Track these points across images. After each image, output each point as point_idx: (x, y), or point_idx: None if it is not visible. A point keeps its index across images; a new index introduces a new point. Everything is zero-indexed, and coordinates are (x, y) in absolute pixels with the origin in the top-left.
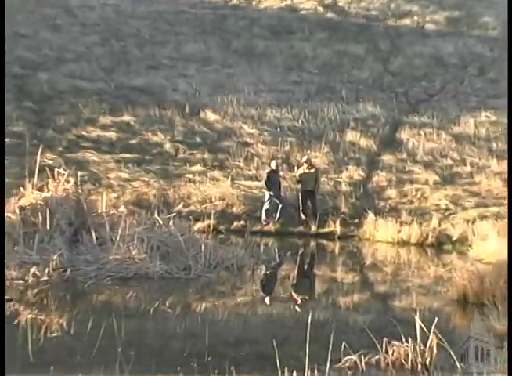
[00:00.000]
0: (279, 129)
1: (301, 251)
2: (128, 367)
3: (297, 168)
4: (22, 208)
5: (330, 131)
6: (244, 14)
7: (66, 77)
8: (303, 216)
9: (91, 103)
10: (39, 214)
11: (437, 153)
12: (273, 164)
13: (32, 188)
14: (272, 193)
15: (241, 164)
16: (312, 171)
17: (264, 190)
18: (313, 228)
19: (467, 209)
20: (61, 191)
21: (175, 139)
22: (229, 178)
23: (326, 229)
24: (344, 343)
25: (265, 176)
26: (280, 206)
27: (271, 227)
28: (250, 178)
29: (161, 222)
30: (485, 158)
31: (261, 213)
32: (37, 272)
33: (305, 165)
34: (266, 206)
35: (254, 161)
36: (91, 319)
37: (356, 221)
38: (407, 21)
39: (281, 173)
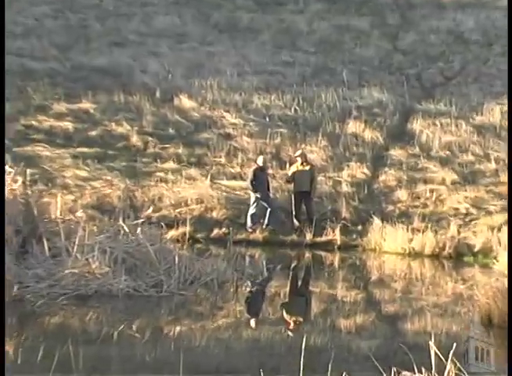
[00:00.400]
0: (267, 119)
1: (293, 264)
2: None
3: (290, 165)
4: None
5: (329, 122)
6: None
7: (13, 55)
8: (296, 222)
9: (42, 86)
10: None
11: (455, 147)
12: (260, 161)
13: None
14: (259, 195)
15: (222, 161)
16: (307, 168)
17: (249, 191)
18: (308, 236)
19: (492, 214)
20: (7, 193)
21: (144, 131)
22: (208, 177)
23: (323, 238)
24: (344, 373)
25: (250, 175)
26: (269, 210)
27: (258, 235)
28: (234, 177)
29: (127, 230)
30: None
31: (246, 219)
32: None
33: (299, 162)
34: (252, 210)
35: (237, 157)
36: (43, 345)
37: (359, 228)
38: None
39: (270, 171)
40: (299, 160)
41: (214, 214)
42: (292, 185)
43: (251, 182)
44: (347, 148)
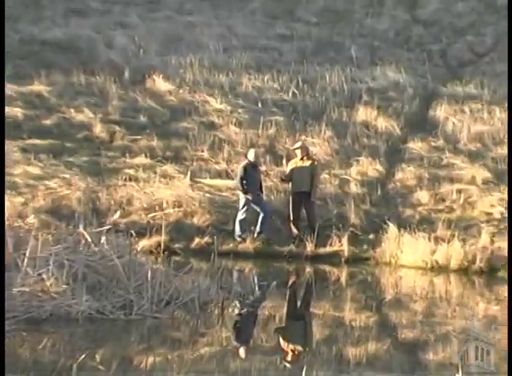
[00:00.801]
0: (260, 104)
1: (291, 281)
2: None
3: (287, 161)
4: None
5: (334, 108)
6: None
7: None
8: (295, 230)
9: None
10: None
11: (488, 138)
12: (252, 155)
13: None
14: (249, 197)
15: (205, 155)
16: (308, 164)
17: (238, 192)
18: (309, 247)
19: None
20: None
21: (110, 119)
22: (188, 174)
23: (327, 249)
24: None
25: (239, 172)
26: (262, 215)
27: (248, 246)
28: (219, 174)
29: (89, 239)
30: None
31: (234, 225)
32: None
33: (298, 156)
34: (242, 215)
35: (223, 151)
36: None
37: (372, 237)
38: None
39: (263, 168)
40: (298, 154)
41: (196, 220)
42: (290, 184)
43: (241, 180)
44: (356, 140)
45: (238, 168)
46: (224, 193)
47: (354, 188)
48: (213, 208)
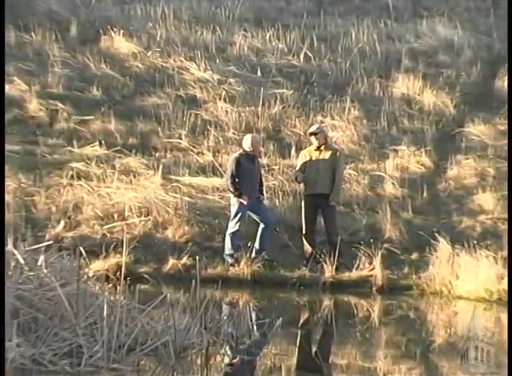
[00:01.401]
0: (259, 72)
1: (304, 318)
2: None
3: (297, 151)
4: None
5: (363, 77)
6: None
7: None
8: (308, 247)
9: None
10: None
11: None
12: (247, 143)
13: None
14: (244, 201)
15: (183, 143)
16: (328, 156)
17: (229, 195)
18: (329, 271)
19: None
20: None
21: (50, 92)
22: (160, 170)
23: (354, 274)
24: None
25: (231, 167)
26: (262, 227)
27: (244, 270)
28: (202, 170)
29: (21, 260)
30: None
31: (223, 241)
32: None
33: (314, 145)
34: (234, 227)
35: (208, 137)
36: None
37: (415, 256)
38: None
39: (264, 161)
40: (314, 142)
41: (170, 233)
42: (302, 184)
43: (232, 178)
44: (393, 122)
45: (229, 161)
46: (209, 196)
47: (390, 189)
48: (194, 217)
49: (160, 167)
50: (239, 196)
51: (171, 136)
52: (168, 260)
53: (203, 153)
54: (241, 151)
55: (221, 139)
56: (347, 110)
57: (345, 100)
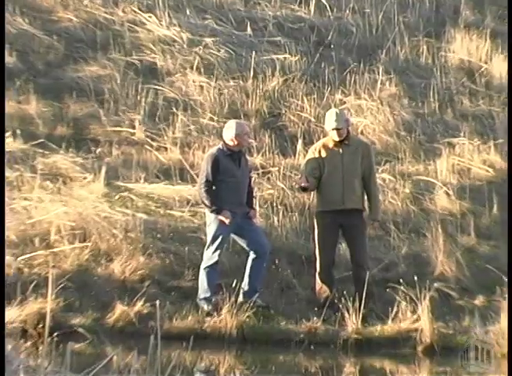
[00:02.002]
0: (249, 29)
1: None
2: None
3: (306, 147)
4: None
5: (402, 36)
6: None
7: None
8: (323, 288)
9: None
10: None
11: None
12: (230, 133)
13: None
14: (226, 219)
15: (137, 134)
16: (354, 153)
17: (204, 210)
18: (353, 323)
19: None
20: None
21: None
22: (102, 174)
23: (389, 327)
24: None
25: (206, 168)
26: (252, 257)
27: (226, 321)
28: (165, 173)
29: None
30: None
31: (197, 279)
32: None
33: (333, 136)
34: (212, 258)
35: (174, 123)
36: None
37: (479, 301)
38: None
39: (255, 160)
40: (334, 135)
41: (117, 266)
42: (314, 194)
43: (207, 185)
44: (447, 102)
45: (203, 161)
46: (175, 212)
47: (443, 201)
48: (153, 243)
49: (103, 169)
50: (217, 211)
51: (119, 123)
52: (115, 306)
53: (166, 149)
54: (220, 146)
55: (192, 127)
56: (379, 84)
57: (376, 70)
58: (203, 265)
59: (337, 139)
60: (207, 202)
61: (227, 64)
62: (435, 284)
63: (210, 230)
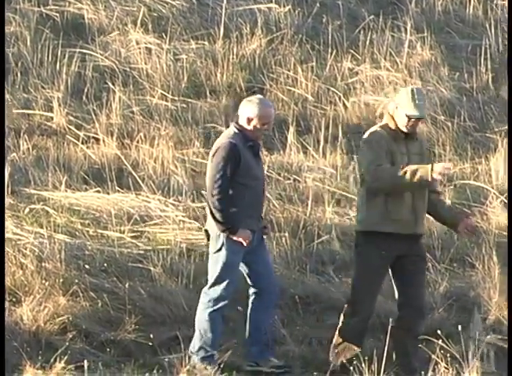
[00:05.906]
0: None
1: None
2: None
3: (303, 135)
4: None
5: None
6: None
7: None
8: (347, 347)
9: None
10: None
11: None
12: (252, 112)
13: None
14: (245, 240)
15: (56, 118)
16: (419, 151)
17: (206, 227)
18: None
19: None
20: None
21: None
22: (6, 176)
23: None
24: None
25: (221, 166)
26: (253, 296)
27: None
28: (95, 175)
29: None
30: None
31: (143, 331)
32: None
33: (404, 127)
34: (220, 298)
35: (108, 102)
36: None
37: None
38: None
39: (265, 157)
40: (404, 122)
41: (27, 311)
42: (360, 204)
43: (221, 193)
44: (504, 72)
45: (217, 153)
46: (110, 233)
47: (501, 217)
48: (78, 277)
49: (6, 168)
50: (232, 231)
51: (30, 104)
52: (24, 370)
53: (97, 141)
54: (236, 129)
55: (136, 109)
56: (406, 47)
57: (402, 27)
58: (206, 308)
59: (409, 131)
60: (220, 217)
61: (186, 18)
62: (488, 337)
63: (221, 257)
